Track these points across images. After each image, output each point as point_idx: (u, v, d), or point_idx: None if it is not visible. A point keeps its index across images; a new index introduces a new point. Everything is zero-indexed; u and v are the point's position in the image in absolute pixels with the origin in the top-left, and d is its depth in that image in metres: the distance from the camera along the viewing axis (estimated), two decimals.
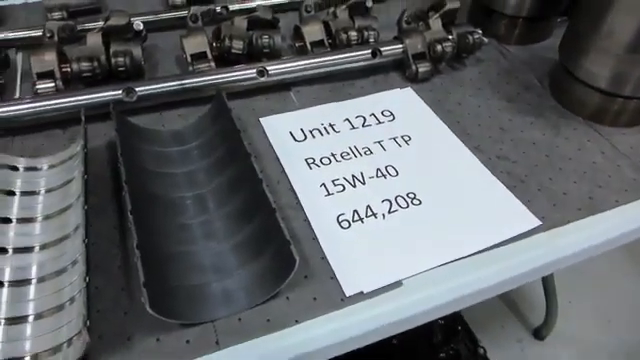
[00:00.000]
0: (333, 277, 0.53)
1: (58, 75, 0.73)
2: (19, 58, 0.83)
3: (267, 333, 0.48)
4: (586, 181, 0.66)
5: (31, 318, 0.47)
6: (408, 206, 0.61)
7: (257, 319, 0.49)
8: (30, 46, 0.81)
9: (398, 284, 0.53)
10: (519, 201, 0.62)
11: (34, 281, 0.50)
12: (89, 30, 0.78)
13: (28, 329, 0.46)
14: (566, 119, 0.77)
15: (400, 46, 0.82)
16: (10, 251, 0.52)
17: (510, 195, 0.63)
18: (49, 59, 0.73)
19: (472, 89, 0.82)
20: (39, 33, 0.79)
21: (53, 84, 0.72)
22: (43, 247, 0.53)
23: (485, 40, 0.85)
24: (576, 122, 0.76)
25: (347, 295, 0.51)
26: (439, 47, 0.80)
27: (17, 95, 0.77)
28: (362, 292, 0.52)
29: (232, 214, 0.56)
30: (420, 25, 0.85)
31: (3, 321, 0.46)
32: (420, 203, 0.61)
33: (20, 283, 0.50)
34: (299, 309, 0.50)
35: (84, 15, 0.90)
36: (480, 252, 0.57)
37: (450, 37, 0.83)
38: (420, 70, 0.81)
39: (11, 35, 0.83)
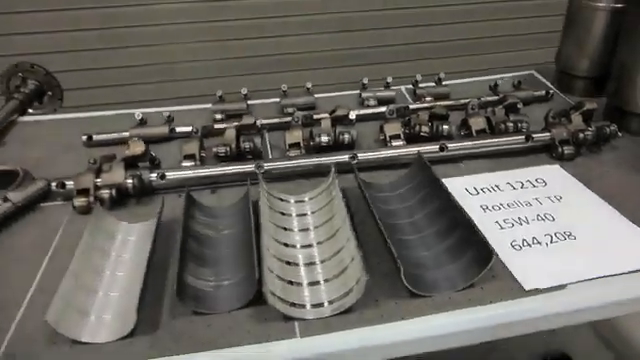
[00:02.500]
0: (514, 279, 0.76)
1: (302, 145, 1.09)
2: (267, 135, 1.22)
3: (470, 306, 0.72)
4: None
5: (322, 282, 0.76)
6: (565, 239, 0.83)
7: (461, 299, 0.73)
8: (276, 128, 1.21)
9: (563, 287, 0.74)
10: None
11: (318, 261, 0.79)
12: (319, 119, 1.15)
13: (322, 287, 0.75)
14: None
15: (548, 134, 1.08)
16: (298, 246, 0.83)
17: None
18: (297, 134, 1.10)
19: (610, 166, 1.04)
20: (286, 119, 1.19)
21: (299, 151, 1.09)
22: (319, 243, 0.83)
23: (619, 133, 1.07)
24: None
25: (526, 289, 0.74)
26: (581, 135, 1.05)
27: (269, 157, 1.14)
28: (537, 288, 0.74)
29: (438, 232, 0.83)
30: (562, 120, 1.10)
31: (305, 283, 0.76)
32: (575, 239, 0.83)
33: (310, 264, 0.79)
34: (491, 295, 0.73)
35: (306, 110, 1.30)
36: (631, 272, 0.77)
37: (590, 128, 1.07)
38: (565, 152, 1.05)
39: (264, 121, 1.24)
